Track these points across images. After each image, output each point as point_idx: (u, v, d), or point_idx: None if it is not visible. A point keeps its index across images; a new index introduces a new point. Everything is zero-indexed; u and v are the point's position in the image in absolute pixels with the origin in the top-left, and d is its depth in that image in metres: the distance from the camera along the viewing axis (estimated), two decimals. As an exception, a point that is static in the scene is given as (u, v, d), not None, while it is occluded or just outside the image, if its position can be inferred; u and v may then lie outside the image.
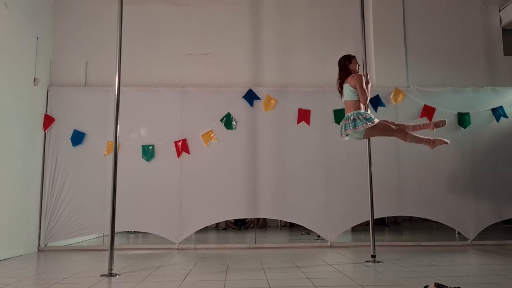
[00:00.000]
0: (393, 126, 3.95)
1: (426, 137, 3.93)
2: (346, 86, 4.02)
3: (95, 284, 3.10)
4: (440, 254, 4.50)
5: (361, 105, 3.95)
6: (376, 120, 3.87)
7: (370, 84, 4.23)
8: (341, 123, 4.04)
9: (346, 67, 4.08)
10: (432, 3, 6.00)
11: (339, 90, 4.15)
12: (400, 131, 3.94)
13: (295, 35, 5.83)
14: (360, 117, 3.86)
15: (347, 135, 4.02)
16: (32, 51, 5.08)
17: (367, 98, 3.96)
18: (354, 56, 4.13)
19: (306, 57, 5.75)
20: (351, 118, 3.90)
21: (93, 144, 5.33)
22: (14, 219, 4.63)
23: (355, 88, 3.95)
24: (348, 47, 5.75)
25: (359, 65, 4.13)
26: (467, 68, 5.83)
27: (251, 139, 5.44)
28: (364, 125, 3.81)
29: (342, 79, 4.08)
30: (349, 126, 3.88)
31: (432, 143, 3.91)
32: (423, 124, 4.01)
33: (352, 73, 4.03)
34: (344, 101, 4.07)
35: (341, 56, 4.15)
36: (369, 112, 3.99)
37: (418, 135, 3.95)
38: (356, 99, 3.96)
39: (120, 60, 3.80)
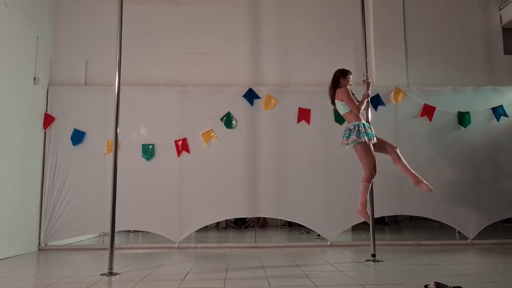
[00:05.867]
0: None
1: (415, 174, 3.99)
2: (337, 102, 4.11)
3: (95, 283, 3.10)
4: (440, 253, 4.50)
5: (358, 115, 4.01)
6: (365, 139, 3.87)
7: (370, 88, 4.26)
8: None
9: (338, 79, 4.12)
10: (432, 3, 5.99)
11: (332, 100, 4.22)
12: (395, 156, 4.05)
13: (295, 34, 5.83)
14: (354, 129, 3.93)
15: (347, 144, 4.03)
16: (32, 50, 5.08)
17: (358, 108, 4.01)
18: (350, 73, 4.17)
19: (306, 56, 5.74)
20: (348, 128, 3.99)
21: (93, 143, 5.33)
22: (14, 218, 4.63)
23: (343, 101, 4.03)
24: (348, 47, 5.78)
25: (350, 84, 4.15)
26: (467, 67, 5.83)
27: (251, 138, 5.44)
28: (354, 136, 3.88)
29: (332, 93, 4.14)
30: (345, 136, 3.98)
31: (416, 182, 3.98)
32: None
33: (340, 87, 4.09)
34: (342, 115, 4.17)
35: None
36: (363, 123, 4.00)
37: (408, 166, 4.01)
38: (349, 110, 4.04)
39: (120, 59, 3.80)
